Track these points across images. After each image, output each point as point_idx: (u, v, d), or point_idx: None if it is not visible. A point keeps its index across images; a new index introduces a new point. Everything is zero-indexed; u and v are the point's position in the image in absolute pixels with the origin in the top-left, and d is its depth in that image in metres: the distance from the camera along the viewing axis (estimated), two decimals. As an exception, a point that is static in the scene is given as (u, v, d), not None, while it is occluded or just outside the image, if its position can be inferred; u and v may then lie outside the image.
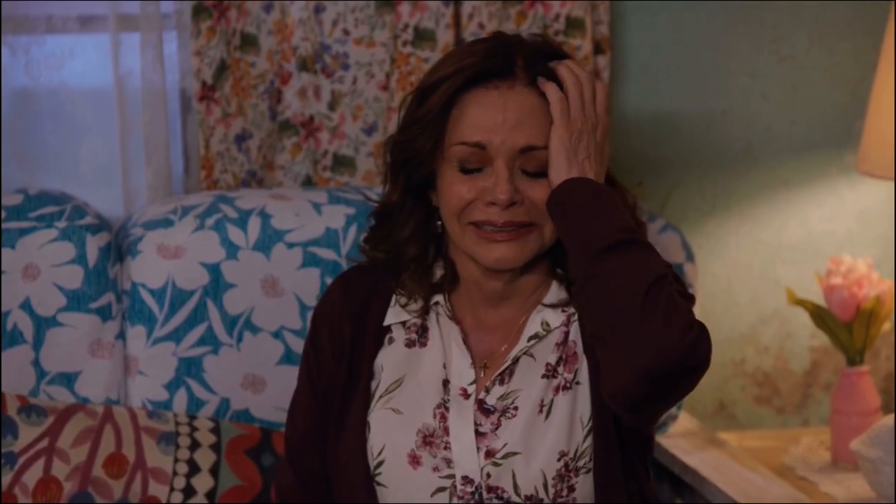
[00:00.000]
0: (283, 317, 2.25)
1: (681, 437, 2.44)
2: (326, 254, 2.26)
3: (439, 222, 1.88)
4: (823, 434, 2.53)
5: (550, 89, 1.81)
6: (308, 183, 2.49)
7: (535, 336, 1.87)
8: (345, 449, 1.89)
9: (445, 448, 1.86)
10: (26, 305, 2.19)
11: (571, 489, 1.85)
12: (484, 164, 1.82)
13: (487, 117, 1.81)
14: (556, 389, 1.86)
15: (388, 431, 1.87)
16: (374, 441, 1.88)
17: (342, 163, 2.49)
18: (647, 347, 1.69)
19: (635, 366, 1.69)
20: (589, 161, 1.81)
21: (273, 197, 2.31)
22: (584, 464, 1.84)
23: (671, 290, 1.72)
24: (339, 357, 1.92)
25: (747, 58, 2.67)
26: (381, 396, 1.90)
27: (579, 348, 1.86)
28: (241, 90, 2.45)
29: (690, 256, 2.40)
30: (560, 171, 1.80)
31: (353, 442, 1.88)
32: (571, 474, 1.85)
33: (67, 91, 2.46)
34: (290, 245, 2.26)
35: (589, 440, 1.84)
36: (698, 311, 1.74)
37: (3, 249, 2.19)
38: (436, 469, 1.86)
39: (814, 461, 2.44)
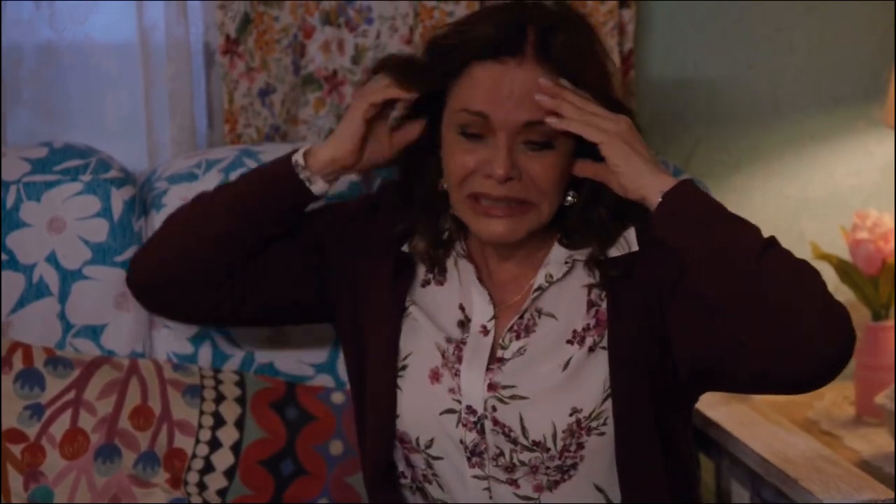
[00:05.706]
0: (308, 270, 2.25)
1: (705, 391, 2.43)
2: (350, 208, 2.26)
3: (446, 184, 1.90)
4: (848, 389, 2.52)
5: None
6: (332, 137, 2.49)
7: (539, 289, 1.90)
8: (376, 345, 1.94)
9: (456, 375, 1.89)
10: (52, 258, 2.20)
11: (580, 446, 1.86)
12: (486, 132, 1.84)
13: (493, 90, 1.83)
14: (582, 349, 1.87)
15: (417, 340, 1.92)
16: (403, 345, 1.93)
17: (366, 117, 2.48)
18: (822, 352, 1.73)
19: (808, 368, 1.75)
20: (649, 151, 1.84)
21: (297, 151, 2.31)
22: (598, 426, 1.85)
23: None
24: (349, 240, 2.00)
25: (774, 9, 2.65)
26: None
27: (606, 315, 1.87)
28: (264, 44, 2.45)
29: (715, 210, 2.39)
30: (643, 181, 1.81)
31: (385, 341, 1.93)
32: (583, 432, 1.86)
33: (92, 44, 2.46)
34: (314, 199, 2.25)
35: (607, 404, 1.85)
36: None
37: (28, 202, 2.19)
38: (451, 391, 1.89)
39: (838, 415, 2.43)
